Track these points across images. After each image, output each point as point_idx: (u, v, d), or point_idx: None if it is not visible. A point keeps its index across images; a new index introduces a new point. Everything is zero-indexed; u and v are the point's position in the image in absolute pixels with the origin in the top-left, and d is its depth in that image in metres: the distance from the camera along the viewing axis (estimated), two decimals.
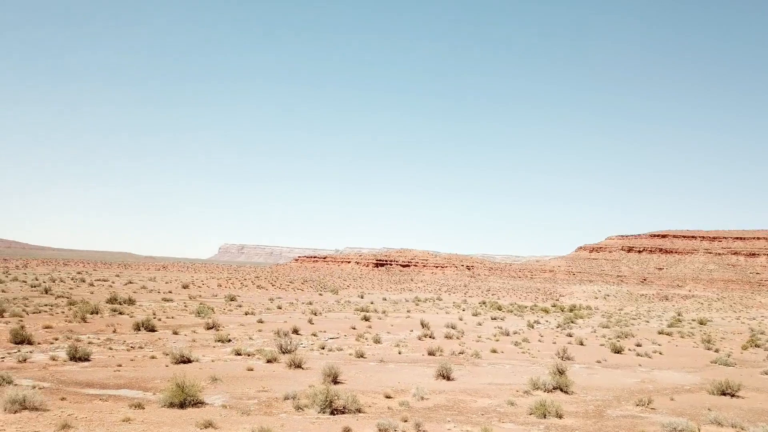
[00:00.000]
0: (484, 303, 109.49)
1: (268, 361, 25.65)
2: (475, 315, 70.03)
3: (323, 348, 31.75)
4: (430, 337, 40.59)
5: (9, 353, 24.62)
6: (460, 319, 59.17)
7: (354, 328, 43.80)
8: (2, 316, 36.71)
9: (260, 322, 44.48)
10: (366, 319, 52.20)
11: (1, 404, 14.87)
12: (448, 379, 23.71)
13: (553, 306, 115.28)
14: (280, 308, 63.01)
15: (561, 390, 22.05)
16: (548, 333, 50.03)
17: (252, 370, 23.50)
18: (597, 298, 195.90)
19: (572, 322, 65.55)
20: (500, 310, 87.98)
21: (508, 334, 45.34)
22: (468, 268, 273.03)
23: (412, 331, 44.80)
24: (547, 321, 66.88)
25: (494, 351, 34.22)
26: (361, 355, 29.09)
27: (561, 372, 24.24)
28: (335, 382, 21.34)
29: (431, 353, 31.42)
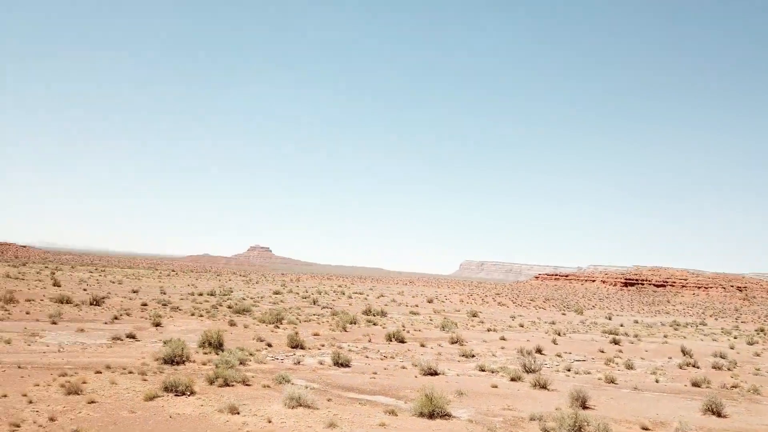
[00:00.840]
0: (761, 330, 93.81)
1: (512, 380, 25.50)
2: (750, 344, 60.36)
3: (569, 370, 30.45)
4: (693, 366, 36.15)
5: (287, 356, 28.57)
6: (731, 348, 51.55)
7: (602, 351, 41.13)
8: (281, 323, 42.67)
9: (503, 339, 44.44)
10: (615, 342, 48.64)
11: (282, 400, 17.32)
12: (719, 415, 20.83)
13: None
14: (522, 326, 62.16)
15: None
16: None
17: (496, 387, 23.58)
18: None
19: None
20: None
21: None
22: (739, 289, 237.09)
23: (670, 358, 40.43)
24: None
25: None
26: (611, 381, 27.21)
27: None
28: (584, 407, 20.29)
29: (696, 384, 27.96)
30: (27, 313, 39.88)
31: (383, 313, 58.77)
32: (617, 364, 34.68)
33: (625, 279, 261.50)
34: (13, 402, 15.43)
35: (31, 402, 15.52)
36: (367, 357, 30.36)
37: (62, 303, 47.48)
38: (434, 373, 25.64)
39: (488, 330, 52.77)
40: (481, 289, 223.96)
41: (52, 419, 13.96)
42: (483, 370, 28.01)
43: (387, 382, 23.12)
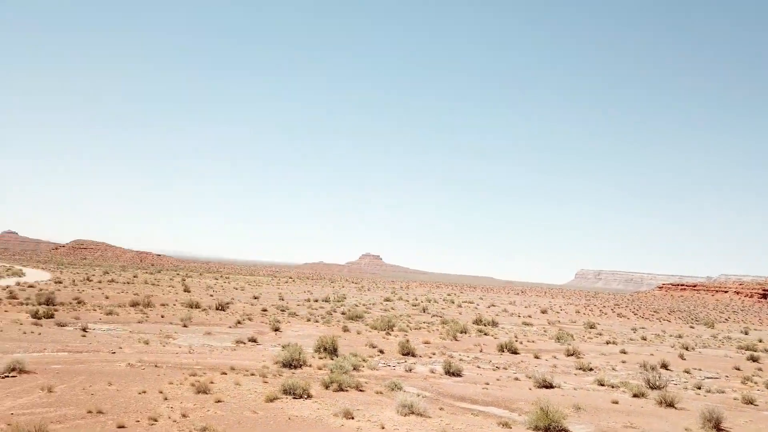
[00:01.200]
0: None
1: (635, 396, 24.02)
2: None
3: (699, 388, 28.16)
4: None
5: (398, 363, 28.87)
6: None
7: (738, 369, 37.66)
8: (392, 330, 43.22)
9: (623, 352, 42.03)
10: (753, 359, 44.33)
11: (395, 406, 17.52)
12: None
13: None
14: (645, 339, 58.41)
15: None
16: None
17: (617, 403, 22.34)
18: None
19: None
20: None
21: None
22: None
23: None
24: None
25: None
26: (749, 401, 24.83)
27: None
28: (717, 428, 18.68)
29: None
30: (162, 316, 43.41)
31: (494, 323, 57.70)
32: (756, 383, 31.61)
33: (764, 290, 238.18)
34: (150, 398, 16.84)
35: (166, 399, 16.85)
36: (479, 367, 29.94)
37: (192, 308, 51.18)
38: (549, 386, 24.77)
39: (607, 342, 50.13)
40: (599, 299, 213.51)
41: (184, 416, 15.07)
42: (602, 385, 26.65)
43: (500, 393, 22.67)
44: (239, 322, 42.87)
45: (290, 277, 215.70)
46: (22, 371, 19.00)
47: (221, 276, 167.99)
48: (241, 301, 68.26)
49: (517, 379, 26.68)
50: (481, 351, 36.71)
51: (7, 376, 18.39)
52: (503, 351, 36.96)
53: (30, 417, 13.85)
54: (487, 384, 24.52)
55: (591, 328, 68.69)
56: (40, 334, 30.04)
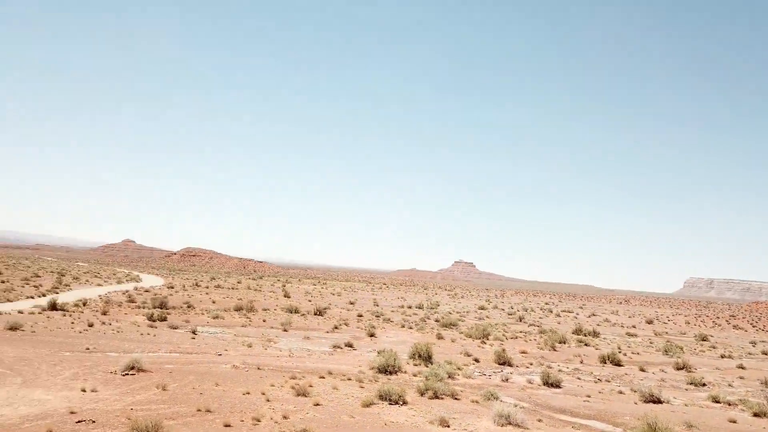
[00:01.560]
0: None
1: (755, 415, 22.13)
2: None
3: None
4: None
5: (494, 372, 28.38)
6: None
7: None
8: (487, 339, 42.56)
9: (741, 367, 38.87)
10: None
11: (491, 416, 17.22)
12: None
13: None
14: (766, 354, 53.72)
15: None
16: None
17: (735, 422, 20.69)
18: None
19: None
20: None
21: None
22: None
23: None
24: None
25: None
26: None
27: None
28: None
29: None
30: (264, 320, 45.32)
31: (596, 334, 55.25)
32: None
33: None
34: (253, 399, 17.61)
35: (268, 400, 17.55)
36: (579, 379, 28.80)
37: (291, 312, 53.04)
38: (657, 401, 23.37)
39: (722, 356, 46.57)
40: (711, 309, 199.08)
41: (285, 417, 15.63)
42: (717, 402, 24.78)
43: (602, 406, 21.68)
44: (336, 327, 43.90)
45: (384, 284, 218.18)
46: (140, 370, 20.56)
47: (318, 282, 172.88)
48: (337, 306, 69.86)
49: (620, 392, 25.41)
50: (581, 362, 35.31)
51: (128, 374, 19.95)
52: (605, 362, 35.34)
53: (147, 413, 14.91)
54: (589, 396, 23.54)
55: (703, 340, 64.09)
56: (155, 335, 32.30)
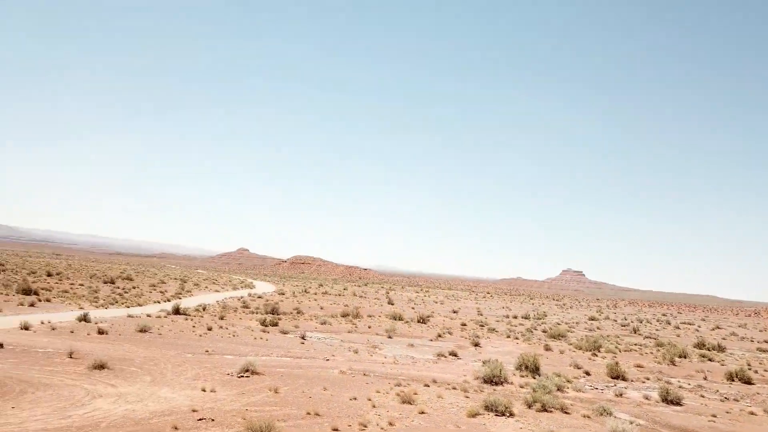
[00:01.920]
0: None
1: None
2: None
3: None
4: None
5: (607, 386, 27.03)
6: None
7: None
8: (599, 351, 40.62)
9: None
10: None
11: None
12: None
13: None
14: None
15: None
16: None
17: None
18: None
19: None
20: None
21: None
22: None
23: None
24: None
25: None
26: None
27: None
28: None
29: None
30: (369, 327, 46.14)
31: (721, 348, 51.00)
32: None
33: None
34: (360, 404, 17.97)
35: (374, 406, 17.84)
36: (702, 396, 26.72)
37: (396, 320, 53.59)
38: None
39: None
40: None
41: (390, 424, 15.81)
42: None
43: (730, 428, 19.99)
44: (440, 336, 43.78)
45: (488, 292, 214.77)
46: (254, 372, 21.68)
47: (422, 289, 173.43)
48: (440, 314, 69.68)
49: (752, 413, 23.28)
50: (705, 378, 32.75)
51: (243, 376, 21.09)
52: (733, 380, 32.52)
53: (260, 414, 15.68)
54: (714, 416, 21.79)
55: None
56: (267, 340, 33.89)
